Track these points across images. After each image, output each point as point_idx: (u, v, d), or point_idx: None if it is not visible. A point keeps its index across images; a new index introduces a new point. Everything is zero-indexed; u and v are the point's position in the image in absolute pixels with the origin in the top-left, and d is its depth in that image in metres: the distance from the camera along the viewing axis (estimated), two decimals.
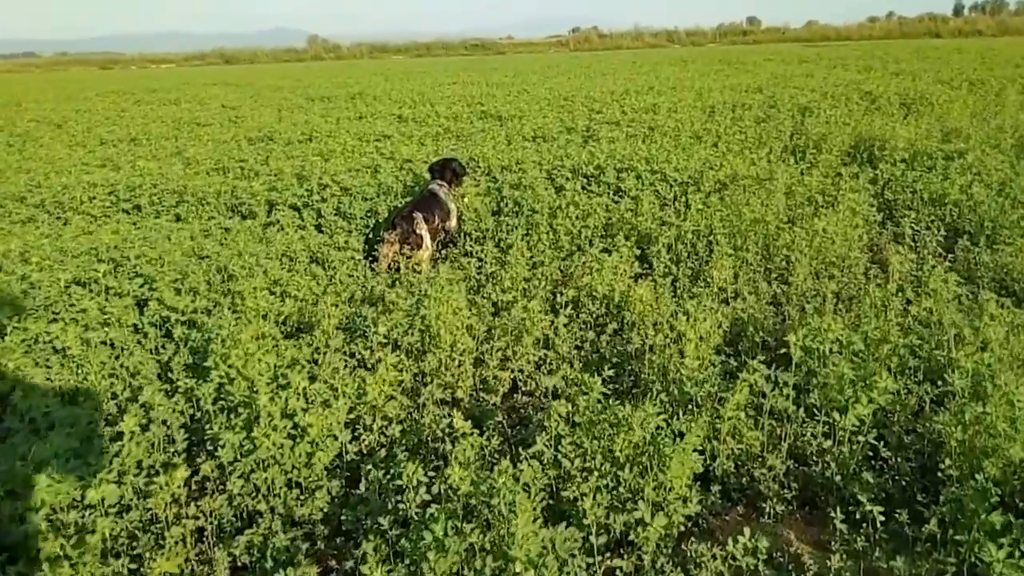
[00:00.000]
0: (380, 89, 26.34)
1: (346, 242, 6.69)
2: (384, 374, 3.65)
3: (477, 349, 4.88)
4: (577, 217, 7.39)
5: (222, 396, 3.36)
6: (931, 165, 9.19)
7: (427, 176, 7.71)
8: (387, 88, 27.23)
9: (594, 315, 5.66)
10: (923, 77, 20.69)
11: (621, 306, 5.62)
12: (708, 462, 3.72)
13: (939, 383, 4.32)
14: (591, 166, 8.86)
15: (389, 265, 6.68)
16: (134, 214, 7.71)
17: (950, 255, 6.96)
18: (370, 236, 7.21)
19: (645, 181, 8.68)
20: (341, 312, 5.04)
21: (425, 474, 3.10)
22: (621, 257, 6.54)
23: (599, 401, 3.56)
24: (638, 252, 6.79)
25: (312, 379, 3.94)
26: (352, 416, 3.81)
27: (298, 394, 3.32)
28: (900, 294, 5.96)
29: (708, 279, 6.12)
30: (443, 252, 7.16)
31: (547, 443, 3.26)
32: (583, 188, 8.59)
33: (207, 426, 3.27)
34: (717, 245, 6.53)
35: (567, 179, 8.60)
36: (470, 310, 5.44)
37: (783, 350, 4.15)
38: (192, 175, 8.92)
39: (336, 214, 7.46)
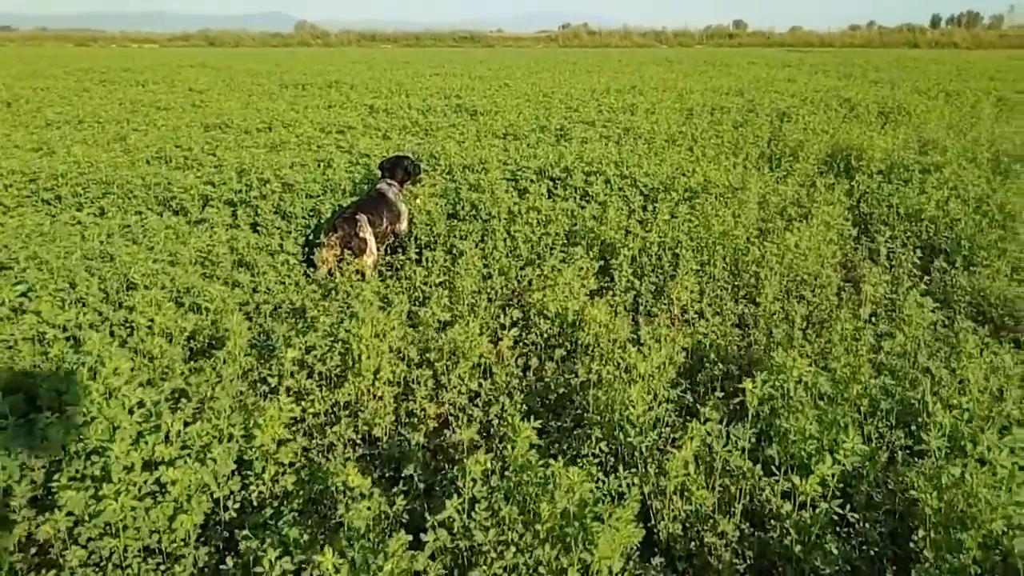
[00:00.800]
0: (359, 78, 25.69)
1: (281, 245, 6.16)
2: (276, 413, 3.14)
3: (407, 376, 4.39)
4: (538, 223, 6.90)
5: (81, 439, 2.85)
6: (908, 178, 8.80)
7: (379, 174, 7.18)
8: (366, 77, 26.59)
9: (545, 336, 5.18)
10: (901, 86, 20.42)
11: (575, 326, 5.15)
12: (651, 524, 3.25)
13: (913, 429, 3.88)
14: (558, 168, 8.36)
15: (330, 271, 6.17)
16: (53, 205, 7.12)
17: (926, 276, 6.55)
18: (311, 238, 6.69)
19: (614, 186, 8.21)
20: (256, 329, 4.52)
21: (314, 536, 2.60)
22: (580, 270, 6.07)
23: (527, 454, 3.09)
24: (600, 263, 6.35)
25: (198, 415, 3.43)
26: (248, 458, 3.31)
27: (169, 439, 2.81)
28: (873, 320, 5.54)
29: (671, 297, 5.65)
30: (391, 258, 6.65)
31: (459, 508, 2.77)
32: (549, 192, 8.11)
33: (56, 478, 2.75)
34: (683, 260, 6.06)
35: (532, 181, 8.10)
36: (410, 328, 4.96)
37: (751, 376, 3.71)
38: (127, 164, 8.34)
39: (276, 212, 6.92)
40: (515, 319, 4.92)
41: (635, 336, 5.20)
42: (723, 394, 4.70)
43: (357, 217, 6.31)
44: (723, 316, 5.54)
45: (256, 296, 5.37)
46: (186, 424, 2.93)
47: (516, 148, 9.59)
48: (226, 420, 3.03)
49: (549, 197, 8.00)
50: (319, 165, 8.19)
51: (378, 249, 6.46)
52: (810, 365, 4.17)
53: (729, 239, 6.47)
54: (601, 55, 56.34)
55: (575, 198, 8.02)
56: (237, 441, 3.08)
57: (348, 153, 9.09)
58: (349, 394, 3.99)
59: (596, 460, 3.49)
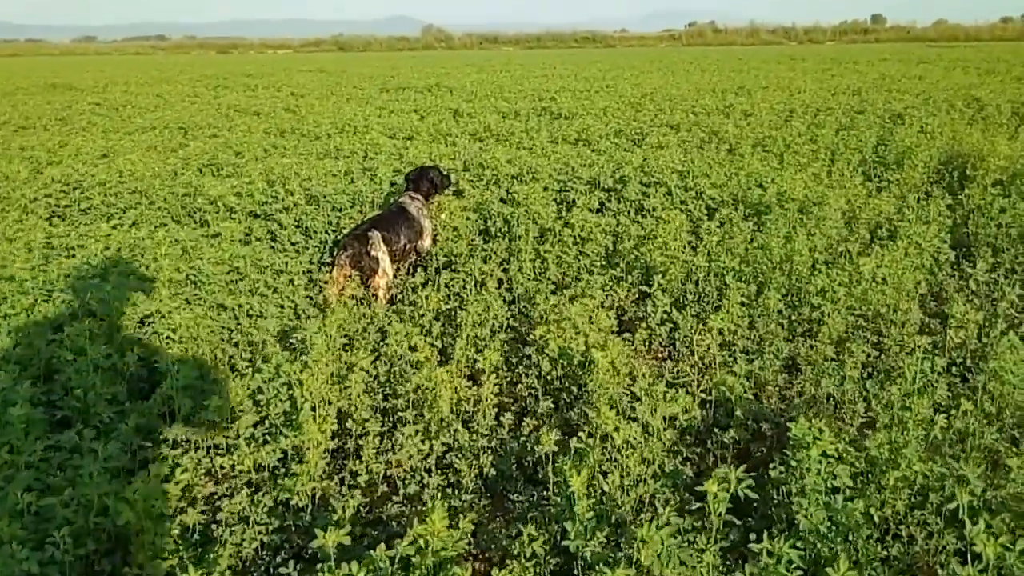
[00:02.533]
0: (461, 81, 25.43)
1: (286, 263, 5.69)
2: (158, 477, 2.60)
3: (358, 429, 3.80)
4: (574, 242, 6.19)
5: None
6: None
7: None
8: (468, 80, 26.32)
9: (544, 380, 4.49)
10: None
11: (583, 369, 4.45)
12: None
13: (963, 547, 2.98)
14: (612, 178, 7.60)
15: (342, 292, 5.66)
16: (87, 214, 6.93)
17: None
18: (325, 256, 6.21)
19: (675, 199, 7.37)
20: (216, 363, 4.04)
21: None
22: (605, 300, 5.34)
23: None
24: (640, 291, 5.61)
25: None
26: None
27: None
28: (950, 373, 4.56)
29: (698, 335, 4.84)
30: (413, 278, 6.08)
31: None
32: (601, 205, 7.36)
33: None
34: (730, 289, 5.21)
35: (582, 193, 7.37)
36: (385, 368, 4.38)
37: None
38: (172, 173, 8.13)
39: (297, 226, 6.49)
40: (498, 362, 4.25)
41: (658, 381, 4.43)
42: (739, 463, 3.88)
43: (369, 234, 5.78)
44: (763, 358, 4.66)
45: (242, 323, 4.91)
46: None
47: (578, 155, 8.87)
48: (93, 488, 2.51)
49: (599, 211, 7.26)
50: (346, 175, 7.72)
51: (397, 268, 5.91)
52: (842, 439, 3.34)
53: (787, 265, 5.57)
54: (723, 54, 54.52)
55: (628, 212, 7.24)
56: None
57: (399, 160, 8.61)
58: (275, 452, 3.43)
59: (531, 565, 2.78)
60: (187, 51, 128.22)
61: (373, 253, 5.74)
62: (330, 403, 3.77)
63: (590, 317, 4.63)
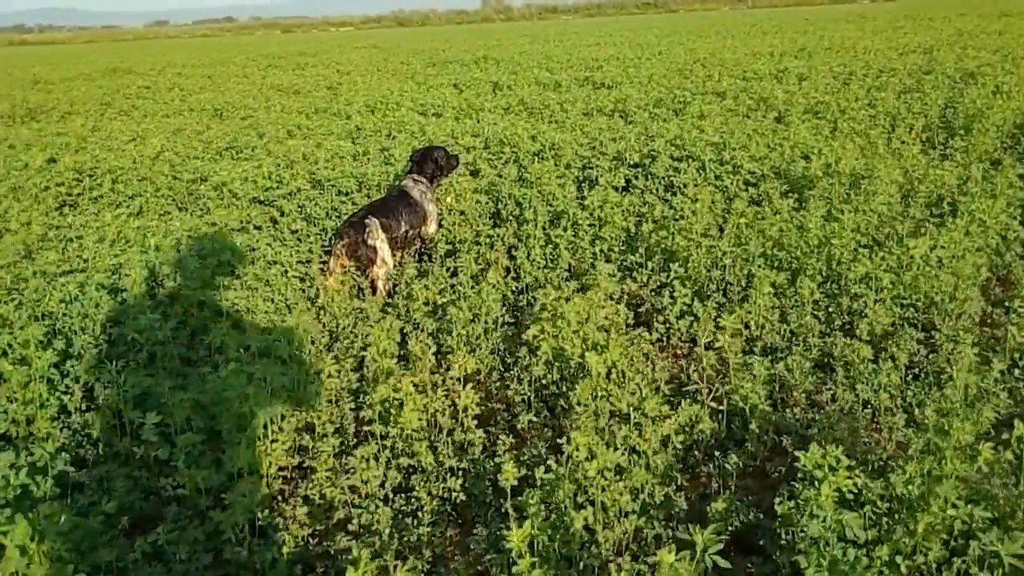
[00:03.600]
0: (508, 53, 24.82)
1: (279, 253, 5.30)
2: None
3: (315, 447, 3.39)
4: (590, 225, 5.66)
5: None
6: None
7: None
8: (518, 51, 25.70)
9: (540, 385, 4.03)
10: None
11: (580, 375, 3.96)
12: None
13: None
14: (638, 153, 7.02)
15: (343, 283, 5.27)
16: (98, 203, 6.68)
17: None
18: (325, 245, 5.82)
19: (709, 174, 6.76)
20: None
21: None
22: (617, 291, 4.83)
23: None
24: (662, 279, 5.09)
25: None
26: None
27: None
28: (1013, 376, 3.93)
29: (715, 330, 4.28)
30: (420, 267, 5.65)
31: None
32: (627, 183, 6.79)
33: None
34: (757, 278, 4.63)
35: (607, 170, 6.82)
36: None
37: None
38: (184, 157, 7.84)
39: (299, 213, 6.10)
40: (487, 365, 3.80)
41: (653, 394, 3.95)
42: (752, 487, 3.37)
43: (366, 221, 5.35)
44: (790, 359, 4.09)
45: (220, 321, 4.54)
46: None
47: (609, 128, 8.29)
48: None
49: (625, 189, 6.70)
50: (361, 156, 7.30)
51: (392, 258, 5.48)
52: (865, 469, 2.81)
53: (829, 247, 4.95)
54: (791, 15, 52.62)
55: (656, 190, 6.66)
56: None
57: (419, 139, 8.16)
58: (217, 473, 3.05)
59: None
60: (252, 32, 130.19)
61: (370, 242, 5.33)
62: (283, 417, 3.36)
63: (589, 313, 4.11)
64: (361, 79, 18.26)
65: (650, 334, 4.69)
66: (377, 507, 3.04)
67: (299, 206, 6.15)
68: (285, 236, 5.77)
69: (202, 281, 4.62)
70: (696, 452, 3.65)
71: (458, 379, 3.59)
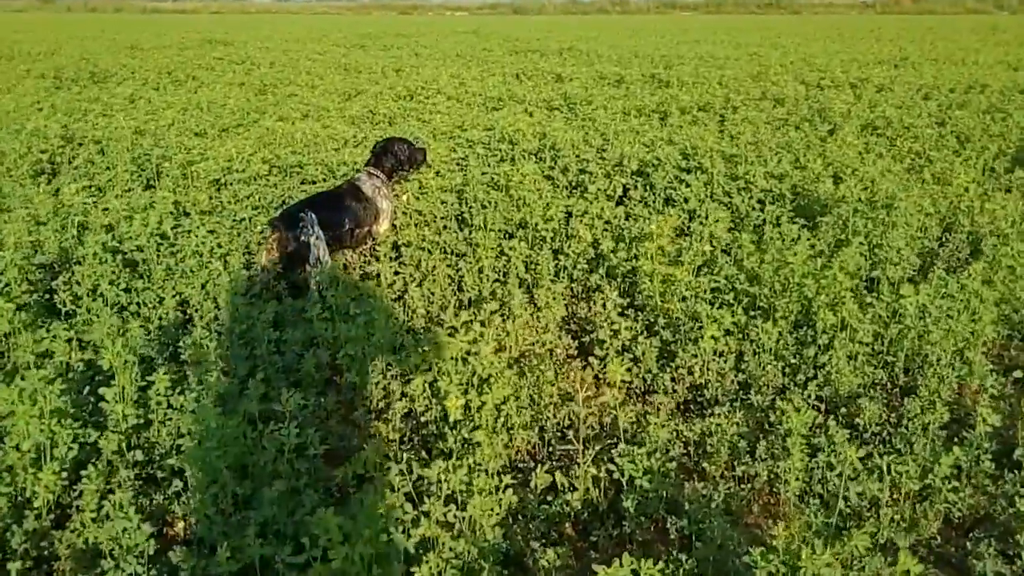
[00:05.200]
0: (599, 45, 24.10)
1: (205, 243, 4.88)
2: None
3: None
4: (557, 237, 5.07)
5: None
6: None
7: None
8: (607, 45, 24.94)
9: (423, 434, 3.49)
10: None
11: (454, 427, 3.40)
12: None
13: None
14: (636, 161, 6.35)
15: (275, 279, 4.84)
16: (74, 174, 6.47)
17: None
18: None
19: (717, 189, 6.04)
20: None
21: None
22: (549, 318, 4.24)
23: None
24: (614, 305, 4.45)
25: None
26: None
27: None
28: (966, 473, 3.18)
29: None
30: (367, 267, 5.19)
31: None
32: (625, 191, 6.15)
33: None
34: (706, 325, 3.94)
35: (606, 175, 6.18)
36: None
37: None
38: (189, 131, 7.61)
39: (249, 199, 5.70)
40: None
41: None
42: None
43: (302, 215, 4.90)
44: (709, 419, 3.42)
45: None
46: None
47: (630, 129, 7.62)
48: None
49: (621, 200, 6.06)
50: (347, 143, 6.86)
51: (350, 255, 5.01)
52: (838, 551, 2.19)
53: (807, 289, 4.22)
54: (916, 23, 49.86)
55: (654, 202, 5.99)
56: None
57: (421, 128, 7.68)
58: None
59: None
60: (369, 12, 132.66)
61: (303, 238, 4.87)
62: (56, 444, 2.93)
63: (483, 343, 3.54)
64: (431, 63, 17.93)
65: (584, 369, 4.13)
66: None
67: (253, 192, 5.74)
68: (226, 224, 5.36)
69: None
70: (565, 525, 3.05)
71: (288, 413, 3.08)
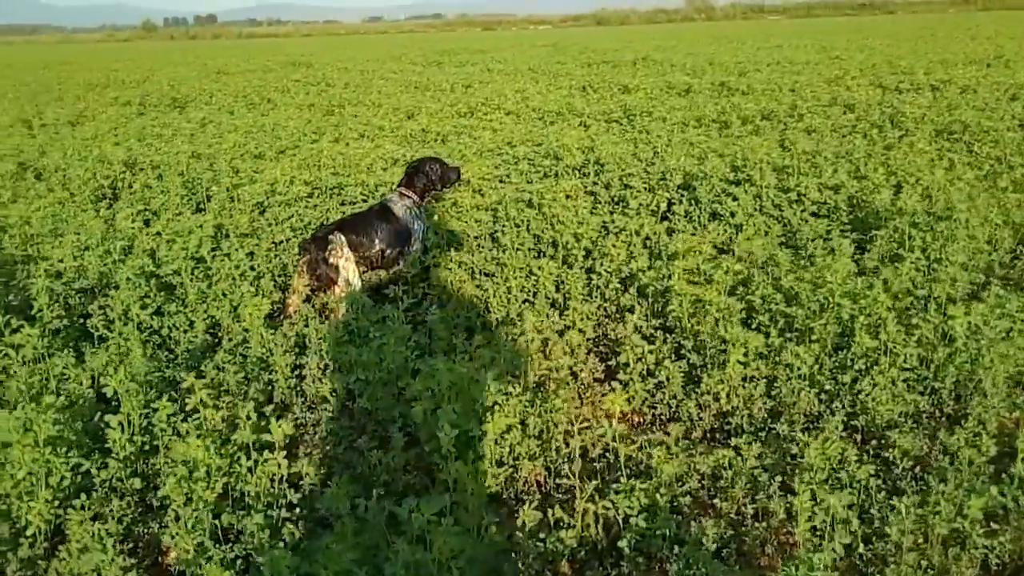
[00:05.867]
0: (675, 55, 23.76)
1: (238, 267, 4.93)
2: None
3: None
4: (599, 259, 4.93)
5: None
6: None
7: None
8: (681, 53, 24.58)
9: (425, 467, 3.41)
10: None
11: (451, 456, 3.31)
12: None
13: None
14: (679, 174, 6.14)
15: (309, 303, 4.85)
16: (130, 199, 6.69)
17: None
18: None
19: (767, 202, 5.79)
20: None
21: None
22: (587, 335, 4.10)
23: None
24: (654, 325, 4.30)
25: None
26: None
27: None
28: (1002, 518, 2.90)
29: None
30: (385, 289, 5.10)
31: None
32: (668, 206, 5.95)
33: None
34: (731, 348, 3.74)
35: (650, 189, 6.01)
36: None
37: None
38: (248, 154, 7.77)
39: (291, 220, 5.75)
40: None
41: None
42: None
43: (331, 237, 4.90)
44: (717, 453, 3.22)
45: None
46: None
47: (683, 140, 7.41)
48: None
49: (665, 216, 5.87)
50: (395, 162, 6.86)
51: (359, 279, 4.98)
52: None
53: (843, 310, 3.96)
54: (1018, 19, 47.49)
55: (701, 217, 5.78)
56: None
57: (467, 146, 7.64)
58: None
59: None
60: (454, 28, 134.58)
61: (332, 260, 4.87)
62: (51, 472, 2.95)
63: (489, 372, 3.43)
64: (501, 78, 17.97)
65: (609, 393, 3.97)
66: None
67: (296, 214, 5.79)
68: (267, 247, 5.41)
69: None
70: (561, 564, 2.91)
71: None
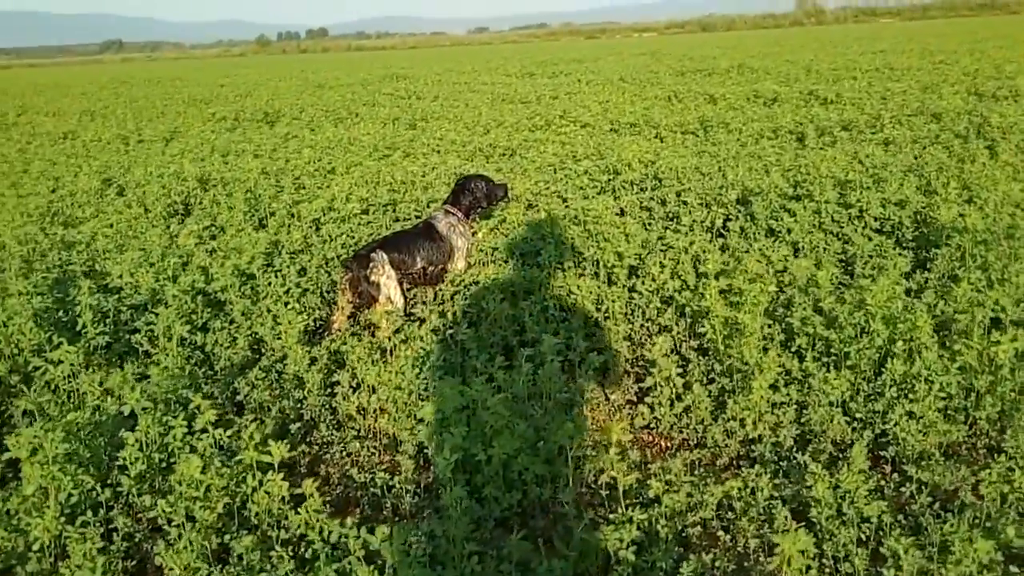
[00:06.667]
0: (771, 62, 23.20)
1: (283, 283, 5.07)
2: None
3: None
4: (641, 277, 4.85)
5: None
6: None
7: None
8: (780, 61, 23.95)
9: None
10: None
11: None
12: None
13: None
14: (742, 189, 5.97)
15: (352, 319, 4.96)
16: (201, 214, 6.98)
17: None
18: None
19: (827, 218, 5.56)
20: None
21: None
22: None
23: None
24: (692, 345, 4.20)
25: None
26: None
27: None
28: None
29: None
30: (424, 307, 5.14)
31: None
32: (724, 223, 5.79)
33: None
34: (756, 378, 3.61)
35: (706, 206, 5.88)
36: None
37: None
38: (321, 171, 7.99)
39: (346, 237, 5.87)
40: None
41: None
42: None
43: (372, 255, 4.97)
44: (727, 483, 3.10)
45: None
46: None
47: (750, 154, 7.21)
48: None
49: (721, 232, 5.71)
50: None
51: (401, 296, 5.04)
52: None
53: (877, 336, 3.76)
54: None
55: (757, 234, 5.60)
56: None
57: (533, 160, 7.64)
58: None
59: None
60: (558, 38, 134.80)
61: (373, 278, 4.93)
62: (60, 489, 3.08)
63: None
64: (590, 89, 17.91)
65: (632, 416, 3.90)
66: None
67: (349, 231, 5.91)
68: (317, 265, 5.54)
69: None
70: None
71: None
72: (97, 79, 42.47)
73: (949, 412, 3.52)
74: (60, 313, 4.77)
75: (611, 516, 2.88)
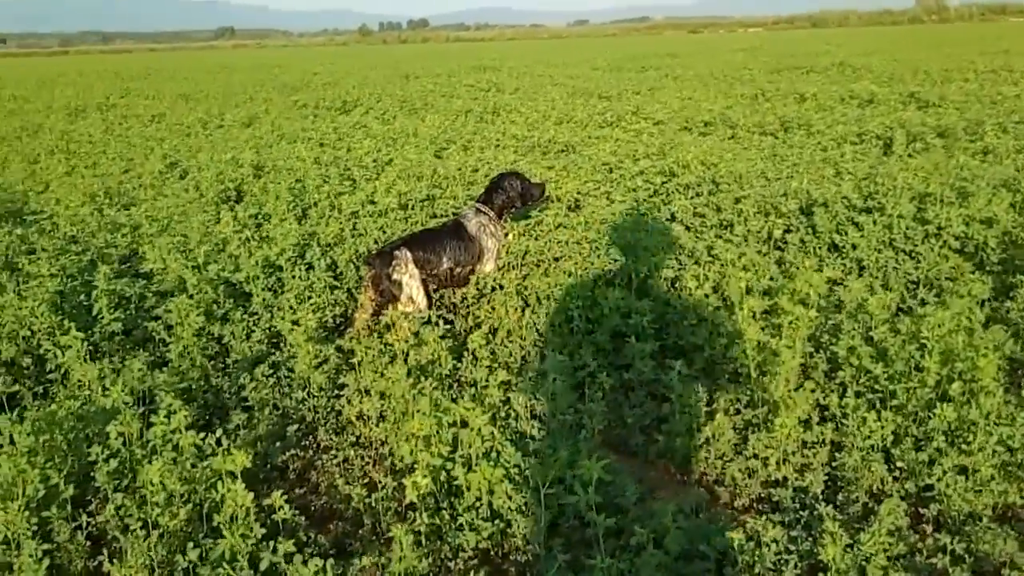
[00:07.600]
0: (879, 60, 22.06)
1: (308, 277, 4.90)
2: None
3: None
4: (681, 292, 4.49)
5: None
6: None
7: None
8: (889, 58, 22.76)
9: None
10: None
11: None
12: None
13: None
14: (801, 200, 5.51)
15: (375, 318, 4.76)
16: (241, 202, 6.93)
17: None
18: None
19: (898, 235, 5.06)
20: None
21: None
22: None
23: None
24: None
25: None
26: None
27: None
28: None
29: None
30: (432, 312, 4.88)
31: None
32: (784, 233, 5.35)
33: None
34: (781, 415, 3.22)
35: (764, 214, 5.45)
36: None
37: None
38: (371, 164, 7.87)
39: (380, 231, 5.68)
40: None
41: None
42: None
43: (396, 253, 4.75)
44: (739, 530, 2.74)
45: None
46: None
47: (824, 160, 6.70)
48: None
49: (780, 244, 5.28)
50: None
51: (425, 297, 4.80)
52: None
53: (928, 375, 3.31)
54: None
55: (819, 248, 5.15)
56: None
57: (587, 158, 7.30)
58: None
59: None
60: (660, 32, 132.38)
61: (395, 276, 4.71)
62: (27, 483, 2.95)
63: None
64: (676, 85, 17.35)
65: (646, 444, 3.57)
66: None
67: (383, 227, 5.72)
68: (349, 258, 5.38)
69: None
70: None
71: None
72: (205, 64, 43.88)
73: (1009, 469, 3.06)
74: (82, 297, 4.72)
75: (590, 562, 2.58)
